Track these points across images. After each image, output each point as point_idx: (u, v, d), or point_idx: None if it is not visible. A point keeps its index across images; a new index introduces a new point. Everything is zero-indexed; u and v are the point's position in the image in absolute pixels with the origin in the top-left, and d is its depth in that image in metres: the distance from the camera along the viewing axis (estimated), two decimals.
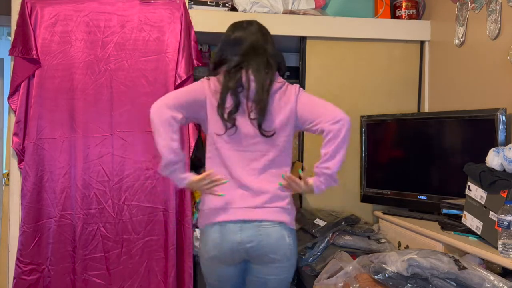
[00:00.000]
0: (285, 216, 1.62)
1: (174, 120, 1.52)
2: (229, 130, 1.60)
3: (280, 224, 1.60)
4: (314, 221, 2.30)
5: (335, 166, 1.58)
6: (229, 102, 1.59)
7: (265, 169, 1.63)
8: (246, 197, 1.60)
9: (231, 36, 1.70)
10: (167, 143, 1.51)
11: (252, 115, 1.59)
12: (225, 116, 1.59)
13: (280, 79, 1.68)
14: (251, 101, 1.60)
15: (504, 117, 1.93)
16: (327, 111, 1.61)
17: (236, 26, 1.73)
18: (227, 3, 2.58)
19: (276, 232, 1.58)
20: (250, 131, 1.61)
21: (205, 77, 1.67)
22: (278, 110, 1.63)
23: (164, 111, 1.51)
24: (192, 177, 1.59)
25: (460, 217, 1.86)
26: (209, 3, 2.55)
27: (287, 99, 1.65)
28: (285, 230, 1.60)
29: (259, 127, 1.59)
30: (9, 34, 3.92)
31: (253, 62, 1.62)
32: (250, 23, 1.72)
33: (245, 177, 1.61)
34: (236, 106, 1.59)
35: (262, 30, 1.71)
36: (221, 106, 1.59)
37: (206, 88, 1.63)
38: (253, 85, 1.60)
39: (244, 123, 1.61)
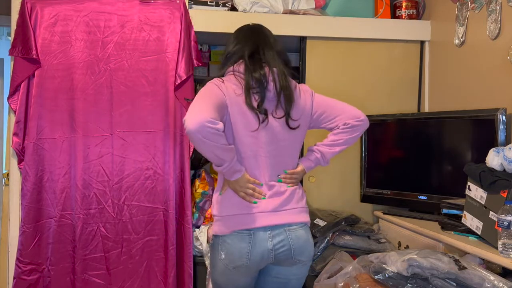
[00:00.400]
0: (307, 216, 1.64)
1: (219, 131, 1.39)
2: (253, 129, 1.56)
3: (304, 226, 1.61)
4: (314, 221, 2.30)
5: (336, 153, 1.69)
6: (254, 96, 1.57)
7: (283, 171, 1.64)
8: (270, 201, 1.57)
9: (240, 34, 1.72)
10: (221, 146, 1.42)
11: (279, 112, 1.58)
12: (255, 105, 1.55)
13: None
14: (276, 94, 1.58)
15: (504, 117, 1.93)
16: (351, 108, 1.69)
17: (242, 27, 1.76)
18: (227, 3, 2.58)
19: (303, 234, 1.59)
20: (275, 129, 1.59)
21: (216, 78, 1.60)
22: (299, 107, 1.64)
23: (207, 128, 1.35)
24: (245, 173, 1.55)
25: (460, 217, 1.86)
26: (209, 3, 2.55)
27: (304, 98, 1.66)
28: (308, 231, 1.62)
29: (288, 115, 1.58)
30: (9, 34, 3.92)
31: (268, 53, 1.63)
32: (256, 24, 1.76)
33: (267, 180, 1.60)
34: (262, 98, 1.56)
35: (268, 30, 1.75)
36: (248, 98, 1.54)
37: (224, 88, 1.55)
38: (276, 75, 1.59)
39: (269, 119, 1.59)
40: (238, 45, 1.66)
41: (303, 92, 1.68)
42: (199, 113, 1.36)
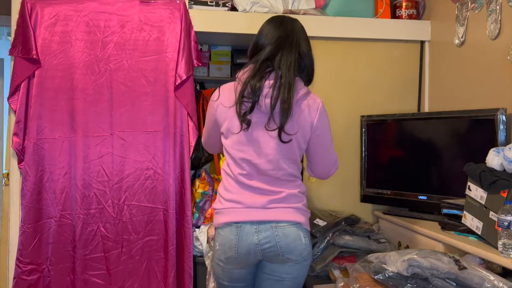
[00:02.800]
0: (301, 217, 1.62)
1: None
2: (243, 132, 1.60)
3: (296, 225, 1.60)
4: (314, 221, 2.30)
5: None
6: (245, 105, 1.57)
7: (282, 173, 1.63)
8: (261, 197, 1.60)
9: (267, 25, 1.67)
10: None
11: (271, 125, 1.55)
12: (241, 113, 1.56)
13: (303, 85, 1.64)
14: (270, 108, 1.55)
15: (504, 117, 1.93)
16: (324, 164, 1.72)
17: (275, 18, 1.70)
18: (227, 3, 2.58)
19: (293, 232, 1.58)
20: (261, 139, 1.60)
21: (216, 90, 1.69)
22: (298, 122, 1.59)
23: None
24: None
25: (460, 217, 1.86)
26: (209, 3, 2.55)
27: (308, 113, 1.61)
28: (301, 230, 1.60)
29: (281, 128, 1.54)
30: (9, 34, 3.93)
31: (285, 60, 1.58)
32: (292, 19, 1.69)
33: (261, 178, 1.62)
34: (251, 108, 1.56)
35: (301, 28, 1.68)
36: (239, 106, 1.56)
37: (215, 106, 1.66)
38: (275, 88, 1.55)
39: (260, 130, 1.59)
40: (260, 45, 1.63)
41: (309, 107, 1.61)
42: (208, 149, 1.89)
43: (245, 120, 1.57)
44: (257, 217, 1.59)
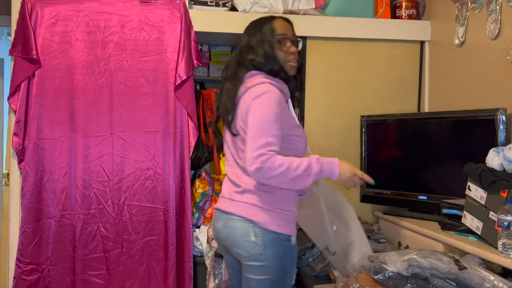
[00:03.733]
0: (255, 214, 1.56)
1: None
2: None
3: (248, 222, 1.56)
4: None
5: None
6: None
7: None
8: (229, 188, 1.68)
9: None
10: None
11: (227, 123, 1.69)
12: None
13: (255, 78, 1.61)
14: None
15: (504, 117, 1.93)
16: (248, 148, 1.51)
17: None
18: (227, 3, 2.58)
19: (242, 229, 1.57)
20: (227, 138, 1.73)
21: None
22: (241, 110, 1.60)
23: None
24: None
25: (460, 217, 1.86)
26: (209, 3, 2.55)
27: (244, 106, 1.59)
28: (253, 228, 1.55)
29: (228, 125, 1.66)
30: (9, 34, 3.92)
31: (232, 67, 1.70)
32: (253, 22, 1.79)
33: (235, 168, 1.69)
34: (218, 114, 1.75)
35: (252, 25, 1.77)
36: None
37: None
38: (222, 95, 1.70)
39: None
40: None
41: (250, 95, 1.56)
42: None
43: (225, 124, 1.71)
44: (221, 206, 1.68)
